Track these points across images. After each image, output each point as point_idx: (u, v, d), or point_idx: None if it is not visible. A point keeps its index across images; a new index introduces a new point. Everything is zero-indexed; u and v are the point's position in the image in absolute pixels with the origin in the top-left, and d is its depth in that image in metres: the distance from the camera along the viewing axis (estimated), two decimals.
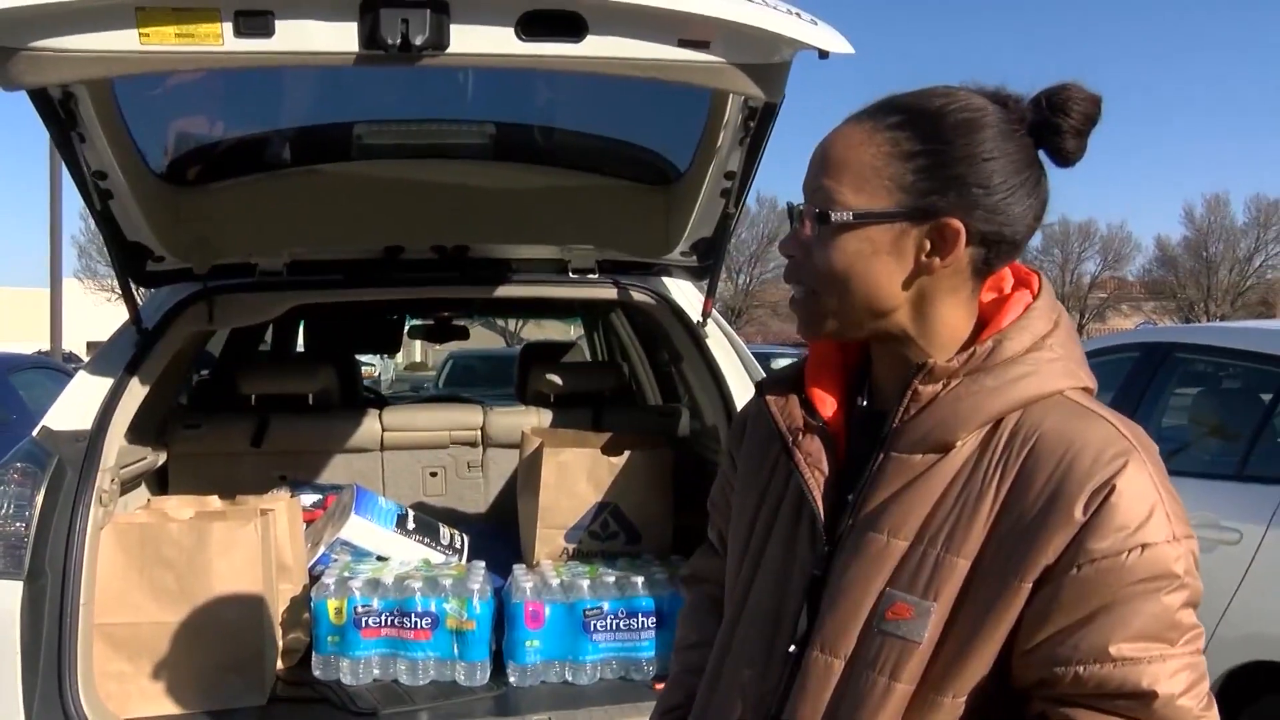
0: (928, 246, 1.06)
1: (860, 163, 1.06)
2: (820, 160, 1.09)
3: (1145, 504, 0.98)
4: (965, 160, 1.04)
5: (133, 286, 2.94)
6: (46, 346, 17.81)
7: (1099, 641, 0.97)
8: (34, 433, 2.64)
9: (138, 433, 2.96)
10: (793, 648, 1.11)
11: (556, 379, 3.80)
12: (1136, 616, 0.97)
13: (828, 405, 1.17)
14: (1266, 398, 3.74)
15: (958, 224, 1.04)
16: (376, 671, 2.78)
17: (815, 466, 1.13)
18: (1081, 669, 0.98)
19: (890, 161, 1.05)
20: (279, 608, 2.85)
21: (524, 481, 3.38)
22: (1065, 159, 1.08)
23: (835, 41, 1.97)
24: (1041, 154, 1.09)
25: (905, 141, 1.05)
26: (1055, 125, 1.05)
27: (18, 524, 2.45)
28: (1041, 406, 1.05)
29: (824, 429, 1.15)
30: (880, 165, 1.06)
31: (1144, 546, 0.97)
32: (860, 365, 1.20)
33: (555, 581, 2.89)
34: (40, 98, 2.18)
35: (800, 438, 1.15)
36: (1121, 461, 0.99)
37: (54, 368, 7.94)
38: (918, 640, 1.03)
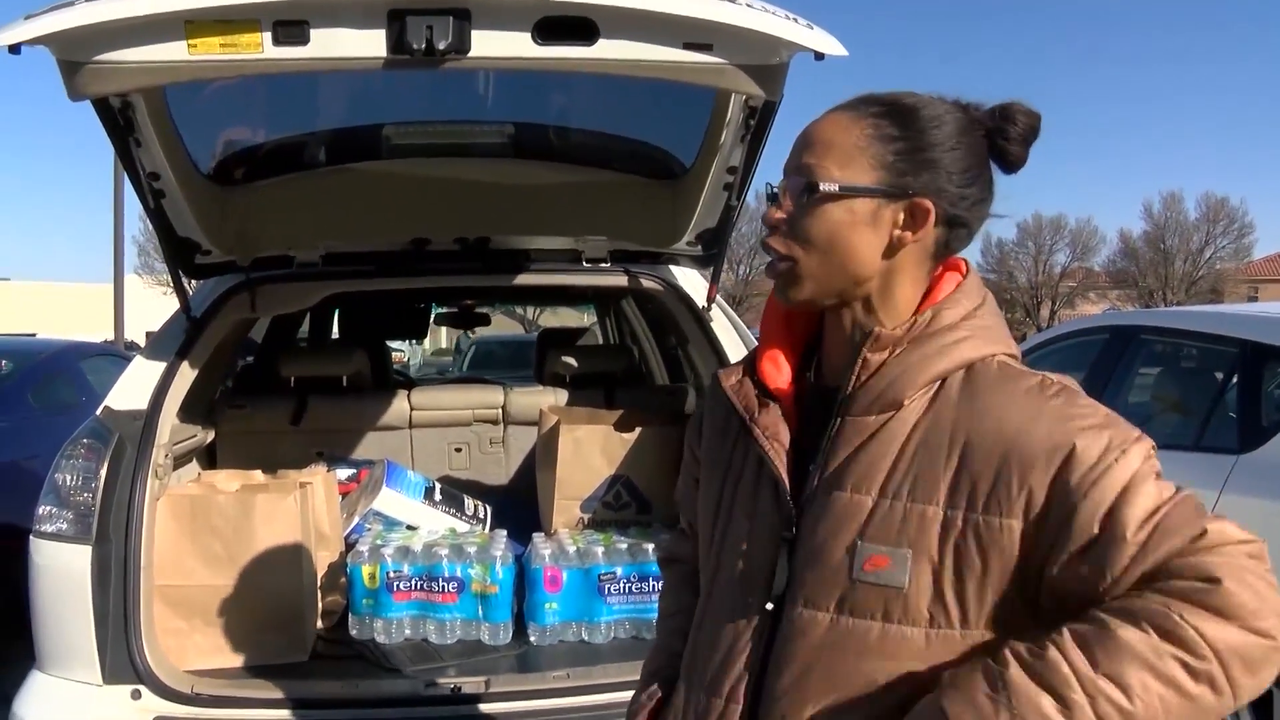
0: (901, 221, 1.07)
1: (846, 143, 1.08)
2: (806, 141, 1.11)
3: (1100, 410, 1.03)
4: (937, 148, 1.07)
5: (183, 278, 2.91)
6: (111, 336, 17.82)
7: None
8: (97, 412, 2.62)
9: (189, 412, 2.93)
10: (769, 605, 1.11)
11: (572, 361, 3.76)
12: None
13: (779, 382, 1.17)
14: (1219, 376, 3.71)
15: (928, 204, 1.07)
16: (408, 631, 2.76)
17: (774, 438, 1.13)
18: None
19: (872, 143, 1.07)
20: (318, 573, 2.82)
21: (542, 456, 3.34)
22: (1010, 163, 1.11)
23: (829, 44, 1.92)
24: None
25: (886, 127, 1.08)
26: (1005, 131, 1.09)
27: (85, 494, 2.44)
28: (981, 366, 1.06)
29: (777, 403, 1.16)
30: (864, 146, 1.07)
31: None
32: (809, 343, 1.20)
33: (572, 548, 2.86)
34: (101, 106, 2.17)
35: (757, 414, 1.15)
36: (1058, 386, 1.04)
37: (117, 355, 7.90)
38: (900, 586, 1.02)
